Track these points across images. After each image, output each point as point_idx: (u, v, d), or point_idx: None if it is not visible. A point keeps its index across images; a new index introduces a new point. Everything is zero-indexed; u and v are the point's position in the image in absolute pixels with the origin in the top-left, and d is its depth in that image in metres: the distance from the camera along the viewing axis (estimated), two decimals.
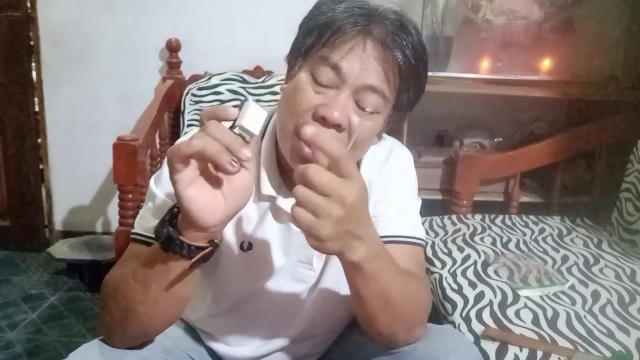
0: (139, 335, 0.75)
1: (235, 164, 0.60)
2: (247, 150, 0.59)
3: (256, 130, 0.61)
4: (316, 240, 0.61)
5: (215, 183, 0.63)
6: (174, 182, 0.61)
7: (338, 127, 0.73)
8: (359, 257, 0.65)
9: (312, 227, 0.59)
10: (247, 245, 0.84)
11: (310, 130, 0.60)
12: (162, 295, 0.68)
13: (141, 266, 0.69)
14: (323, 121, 0.73)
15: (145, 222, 0.81)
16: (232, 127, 0.61)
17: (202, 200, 0.61)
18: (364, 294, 0.70)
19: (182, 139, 0.87)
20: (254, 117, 0.61)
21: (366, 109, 0.75)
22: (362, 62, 0.73)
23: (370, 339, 0.78)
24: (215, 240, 0.66)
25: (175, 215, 0.65)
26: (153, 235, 0.78)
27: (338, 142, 0.60)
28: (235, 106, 0.62)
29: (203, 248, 0.65)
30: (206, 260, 0.66)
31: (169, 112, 1.97)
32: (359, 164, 0.89)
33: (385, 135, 0.92)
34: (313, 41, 0.77)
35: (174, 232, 0.64)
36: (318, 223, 0.59)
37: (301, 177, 0.59)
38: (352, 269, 0.68)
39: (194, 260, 0.65)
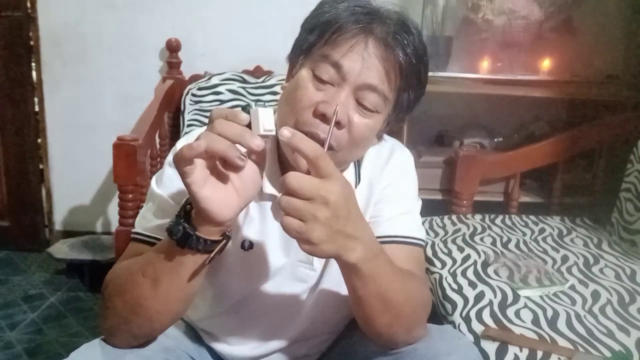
0: (144, 334, 0.75)
1: (244, 158, 0.61)
2: (258, 140, 0.60)
3: (273, 130, 0.63)
4: (308, 245, 0.61)
5: (226, 179, 0.64)
6: (187, 185, 0.62)
7: (338, 125, 0.74)
8: (356, 258, 0.65)
9: (301, 232, 0.59)
10: (248, 245, 0.84)
11: (286, 132, 0.60)
12: (172, 290, 0.69)
13: (151, 263, 0.70)
14: (323, 118, 0.73)
15: (146, 221, 0.81)
16: None
17: (217, 197, 0.63)
18: (363, 296, 0.70)
19: (182, 140, 0.87)
20: (266, 119, 0.63)
21: (366, 107, 0.75)
22: (363, 61, 0.74)
23: (370, 339, 0.78)
24: (227, 233, 0.68)
25: (189, 212, 0.66)
26: (153, 235, 0.79)
27: (314, 143, 0.60)
28: (243, 108, 0.63)
29: (218, 242, 0.67)
30: (220, 252, 0.68)
31: (169, 112, 1.97)
32: (359, 163, 0.89)
33: (386, 136, 0.92)
34: (314, 39, 0.77)
35: (190, 229, 0.65)
36: (306, 227, 0.59)
37: (282, 185, 0.60)
38: (350, 271, 0.68)
39: (213, 253, 0.67)
